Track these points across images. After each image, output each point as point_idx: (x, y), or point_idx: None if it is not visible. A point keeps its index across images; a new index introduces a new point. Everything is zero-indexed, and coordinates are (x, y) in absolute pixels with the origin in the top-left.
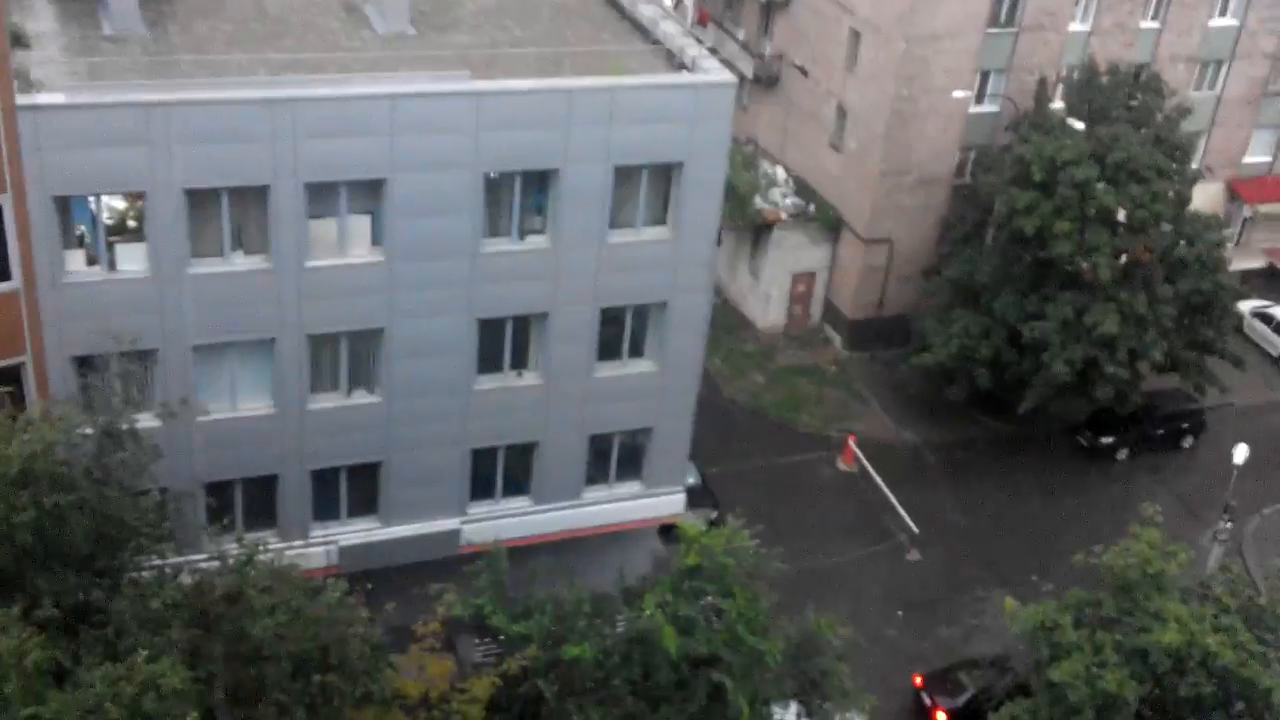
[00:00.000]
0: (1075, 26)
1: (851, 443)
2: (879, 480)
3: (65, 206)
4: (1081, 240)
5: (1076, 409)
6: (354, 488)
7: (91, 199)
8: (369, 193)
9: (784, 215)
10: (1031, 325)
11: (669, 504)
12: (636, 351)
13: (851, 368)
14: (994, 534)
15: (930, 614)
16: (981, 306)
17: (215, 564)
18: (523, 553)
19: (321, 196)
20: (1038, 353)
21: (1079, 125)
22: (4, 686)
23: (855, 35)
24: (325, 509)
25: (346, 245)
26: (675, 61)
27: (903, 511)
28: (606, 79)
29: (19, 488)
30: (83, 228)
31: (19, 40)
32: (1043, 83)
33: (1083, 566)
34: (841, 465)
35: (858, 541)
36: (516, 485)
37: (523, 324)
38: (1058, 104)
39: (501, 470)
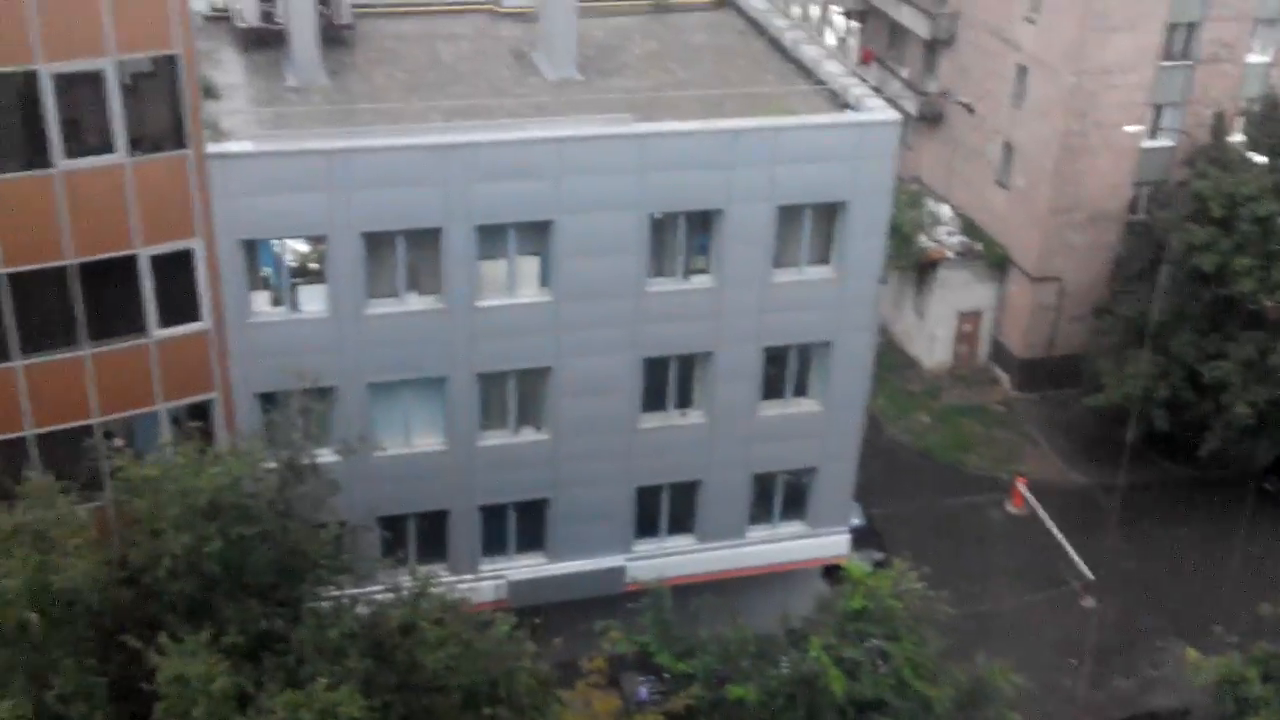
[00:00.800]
0: (1254, 58)
1: (1021, 485)
2: (1050, 524)
3: (252, 250)
4: (1265, 277)
5: (1260, 453)
6: (522, 524)
7: (276, 242)
8: (537, 234)
9: (949, 253)
10: (1212, 365)
11: (833, 544)
12: (800, 391)
13: (1020, 408)
14: (1172, 582)
15: (1106, 664)
16: (1157, 346)
17: (389, 596)
18: (686, 591)
19: (491, 238)
20: (1218, 394)
21: (1260, 159)
22: (192, 710)
23: (1022, 71)
24: (494, 544)
25: (515, 285)
26: (839, 101)
27: (1076, 556)
28: (770, 119)
29: (208, 519)
30: (267, 270)
31: (210, 92)
32: (1220, 116)
33: (1270, 618)
34: (1010, 508)
35: (1028, 587)
36: (681, 524)
37: (687, 363)
38: (1236, 137)
39: (666, 508)
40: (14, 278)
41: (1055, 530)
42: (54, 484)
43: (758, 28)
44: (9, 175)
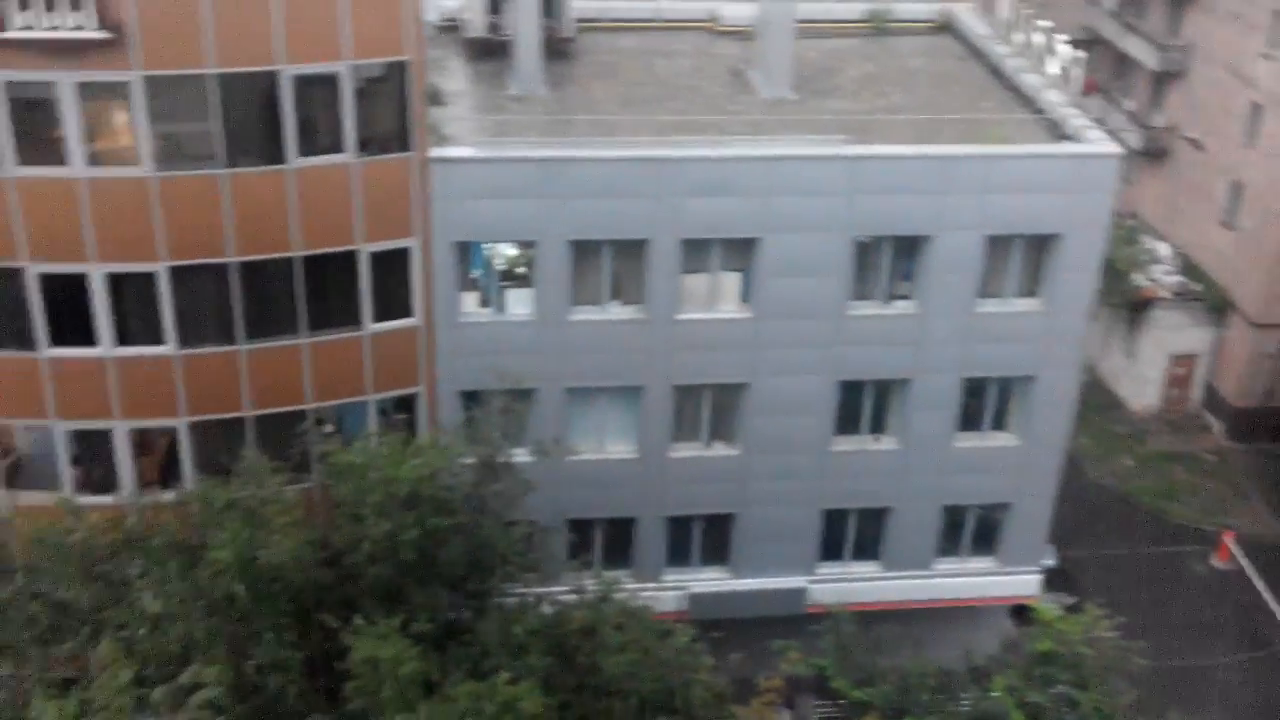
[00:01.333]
0: None
1: (1228, 539)
2: (1258, 581)
3: (464, 252)
4: None
5: None
6: (707, 537)
7: (487, 245)
8: (741, 251)
9: (1165, 293)
10: None
11: (1024, 584)
12: (999, 424)
13: (1232, 458)
14: None
15: None
16: None
17: (573, 598)
18: (868, 618)
19: (696, 252)
20: None
21: None
22: (381, 691)
23: (1256, 108)
24: (678, 555)
25: (716, 300)
26: (1058, 131)
27: None
28: (984, 147)
29: (406, 508)
30: (478, 272)
31: (436, 98)
32: None
33: None
34: (1216, 562)
35: (1229, 645)
36: (866, 549)
37: (884, 388)
38: None
39: (852, 533)
40: (245, 266)
41: (1263, 589)
42: (267, 464)
43: (978, 53)
44: (248, 169)
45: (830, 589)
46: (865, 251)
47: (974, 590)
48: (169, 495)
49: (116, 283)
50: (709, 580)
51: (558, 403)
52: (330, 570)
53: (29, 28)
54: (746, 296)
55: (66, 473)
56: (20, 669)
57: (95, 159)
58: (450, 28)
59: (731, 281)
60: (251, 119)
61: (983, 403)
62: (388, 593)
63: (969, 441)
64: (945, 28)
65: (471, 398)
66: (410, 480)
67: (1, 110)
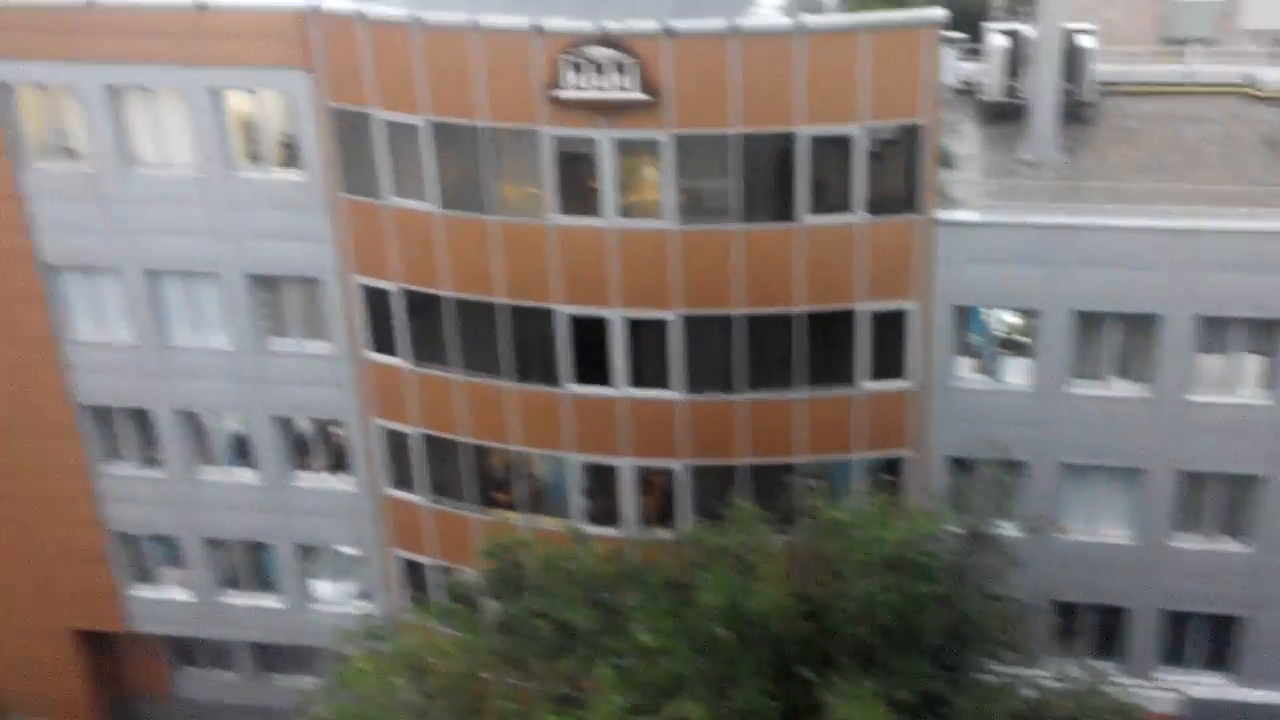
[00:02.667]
0: None
1: None
2: None
3: (964, 317)
4: None
5: None
6: (1210, 638)
7: (985, 311)
8: (1267, 332)
9: None
10: None
11: None
12: None
13: None
14: None
15: None
16: None
17: (1057, 685)
18: None
19: (1214, 331)
20: None
21: None
22: None
23: None
24: (1175, 653)
25: (1235, 384)
26: None
27: None
28: None
29: (889, 571)
30: (975, 338)
31: (946, 161)
32: None
33: None
34: None
35: None
36: None
37: None
38: None
39: None
40: (750, 319)
41: None
42: (756, 512)
43: None
44: (760, 225)
45: None
46: None
47: None
48: (666, 534)
49: (634, 328)
50: (1210, 686)
51: (1050, 478)
52: (810, 624)
53: (580, 89)
54: (1270, 382)
55: (577, 502)
56: (526, 681)
57: (625, 211)
58: (966, 91)
59: (1253, 364)
60: (767, 177)
61: None
62: (865, 654)
63: None
64: None
65: (960, 465)
66: (894, 543)
67: (551, 163)
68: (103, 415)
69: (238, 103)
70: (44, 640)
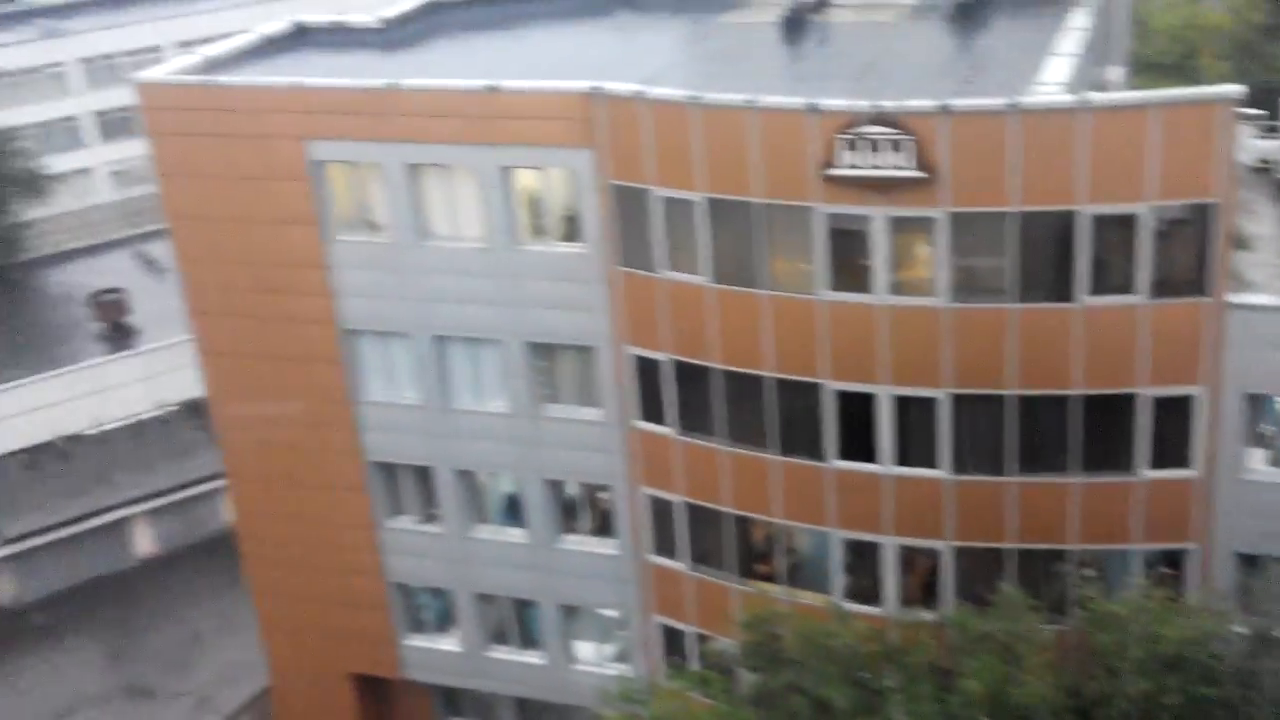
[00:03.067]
0: None
1: None
2: None
3: (1255, 405)
4: None
5: None
6: None
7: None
8: None
9: None
10: None
11: None
12: None
13: None
14: None
15: None
16: None
17: None
18: None
19: None
20: None
21: None
22: None
23: None
24: None
25: None
26: None
27: None
28: None
29: (1169, 670)
30: (1268, 428)
31: (1240, 242)
32: None
33: None
34: None
35: None
36: None
37: None
38: None
39: None
40: (1022, 400)
41: None
42: (1024, 599)
43: None
44: (1036, 305)
45: None
46: None
47: None
48: (928, 615)
49: (901, 405)
50: None
51: None
52: None
53: (854, 167)
54: None
55: (837, 578)
56: None
57: (896, 288)
58: (1263, 169)
59: None
60: (1044, 256)
61: None
62: None
63: None
64: None
65: (1249, 562)
66: (1175, 641)
67: (823, 239)
68: (388, 471)
69: (524, 179)
70: (325, 681)
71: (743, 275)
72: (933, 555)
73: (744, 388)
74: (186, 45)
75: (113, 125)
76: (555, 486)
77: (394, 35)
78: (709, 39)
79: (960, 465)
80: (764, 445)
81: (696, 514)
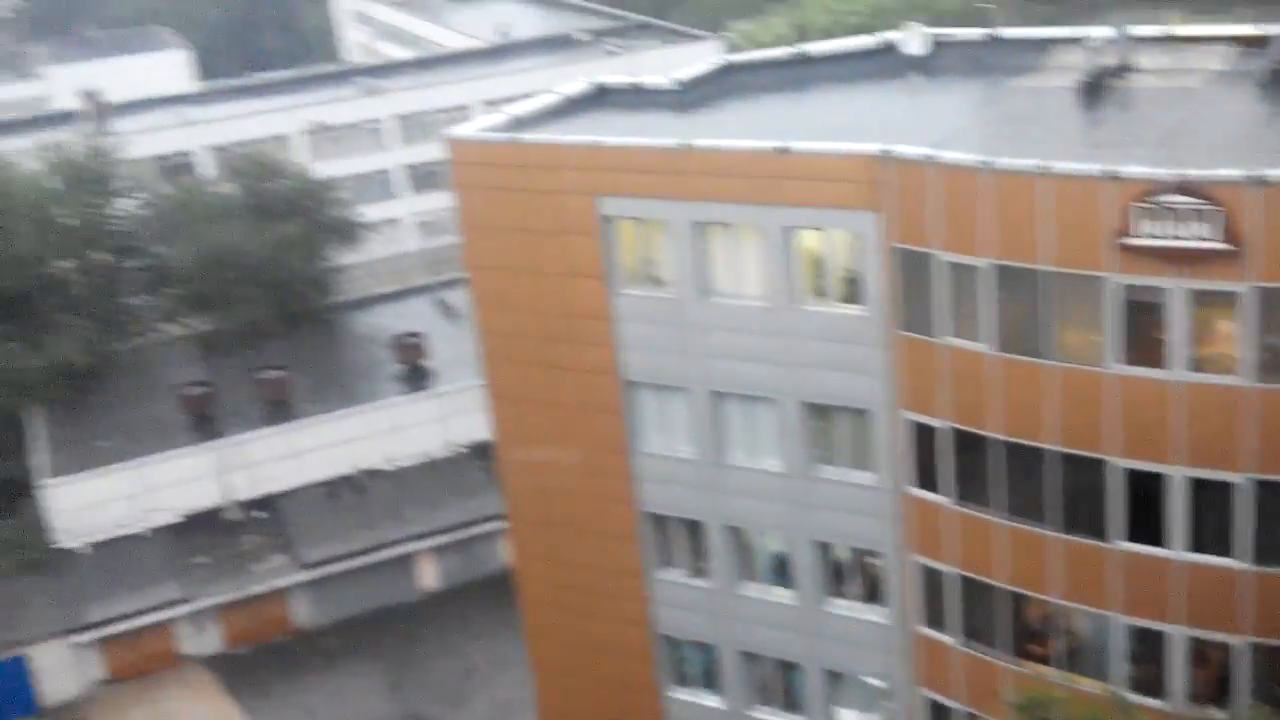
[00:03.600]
0: None
1: None
2: None
3: None
4: None
5: None
6: None
7: None
8: None
9: None
10: None
11: None
12: None
13: None
14: None
15: None
16: None
17: None
18: None
19: None
20: None
21: None
22: None
23: None
24: None
25: None
26: None
27: None
28: None
29: None
30: None
31: None
32: None
33: None
34: None
35: None
36: None
37: None
38: None
39: None
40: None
41: None
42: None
43: None
44: None
45: None
46: None
47: None
48: (1218, 715)
49: (1196, 487)
50: None
51: None
52: None
53: (1154, 237)
54: None
55: (1119, 666)
56: None
57: (1194, 364)
58: None
59: None
60: None
61: None
62: None
63: None
64: None
65: None
66: None
67: (1115, 311)
68: (660, 523)
69: (808, 239)
70: None
71: (1027, 344)
72: (1226, 650)
73: (1024, 459)
74: (492, 104)
75: (421, 178)
76: (824, 549)
77: (688, 96)
78: (1002, 103)
79: (1260, 556)
80: (1043, 520)
81: (969, 586)
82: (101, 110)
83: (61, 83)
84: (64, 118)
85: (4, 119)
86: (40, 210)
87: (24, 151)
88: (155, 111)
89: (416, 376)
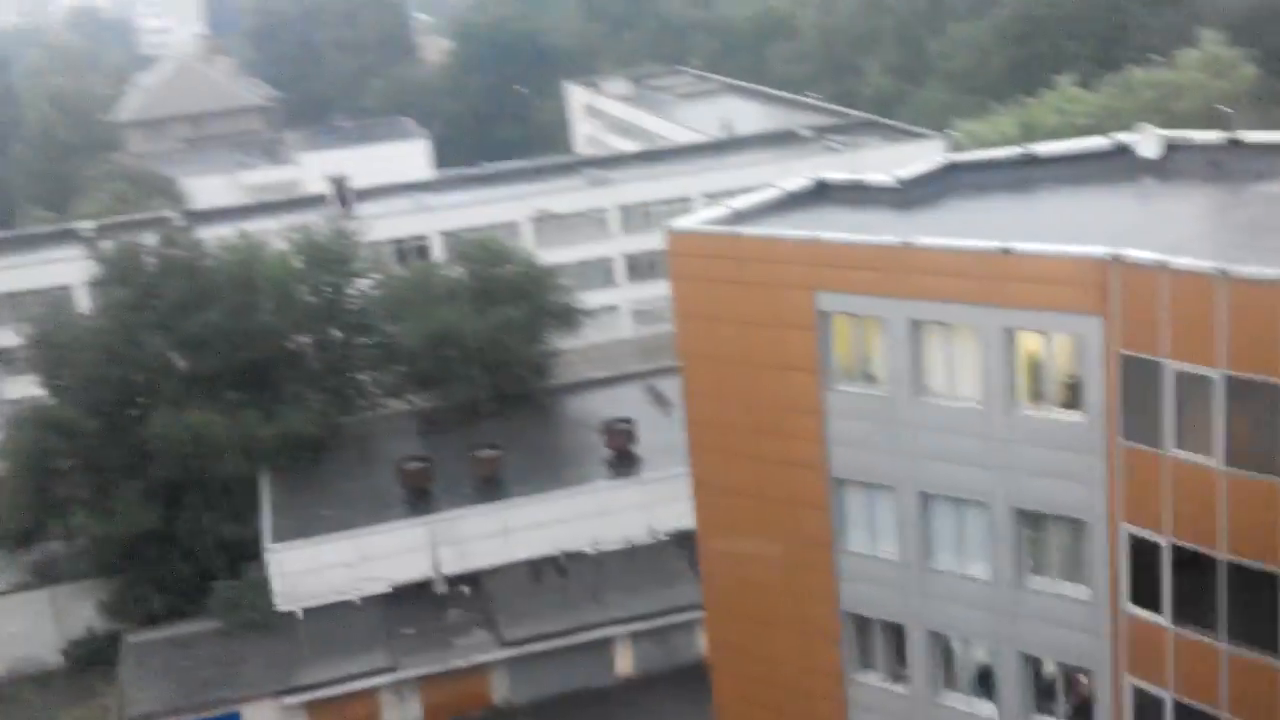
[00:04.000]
0: None
1: None
2: None
3: None
4: None
5: None
6: None
7: None
8: None
9: None
10: None
11: None
12: None
13: None
14: None
15: None
16: None
17: None
18: None
19: None
20: None
21: None
22: None
23: None
24: None
25: None
26: None
27: None
28: None
29: None
30: None
31: None
32: None
33: None
34: None
35: None
36: None
37: None
38: None
39: None
40: None
41: None
42: None
43: None
44: None
45: None
46: None
47: None
48: None
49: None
50: None
51: None
52: None
53: None
54: None
55: None
56: None
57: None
58: None
59: None
60: None
61: None
62: None
63: None
64: None
65: None
66: None
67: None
68: (861, 624)
69: (1027, 342)
70: None
71: (1261, 460)
72: None
73: (1253, 582)
74: (713, 197)
75: (639, 267)
76: (1032, 663)
77: (910, 194)
78: (1240, 209)
79: None
80: (1274, 650)
81: (1187, 715)
82: (346, 195)
83: (312, 168)
84: (312, 201)
85: (258, 201)
86: (284, 287)
87: (273, 231)
88: (395, 197)
89: (625, 462)
